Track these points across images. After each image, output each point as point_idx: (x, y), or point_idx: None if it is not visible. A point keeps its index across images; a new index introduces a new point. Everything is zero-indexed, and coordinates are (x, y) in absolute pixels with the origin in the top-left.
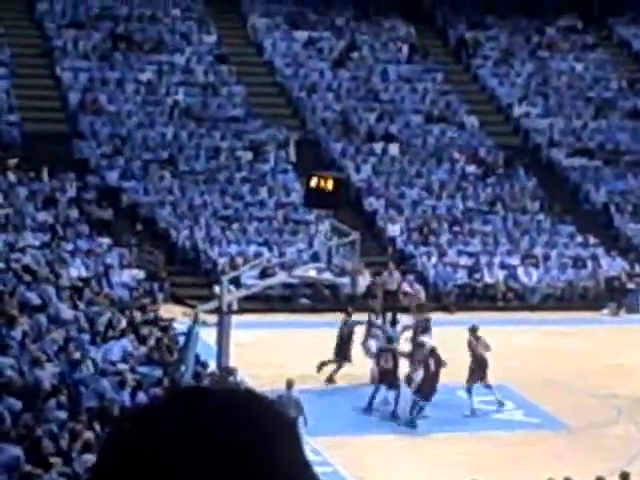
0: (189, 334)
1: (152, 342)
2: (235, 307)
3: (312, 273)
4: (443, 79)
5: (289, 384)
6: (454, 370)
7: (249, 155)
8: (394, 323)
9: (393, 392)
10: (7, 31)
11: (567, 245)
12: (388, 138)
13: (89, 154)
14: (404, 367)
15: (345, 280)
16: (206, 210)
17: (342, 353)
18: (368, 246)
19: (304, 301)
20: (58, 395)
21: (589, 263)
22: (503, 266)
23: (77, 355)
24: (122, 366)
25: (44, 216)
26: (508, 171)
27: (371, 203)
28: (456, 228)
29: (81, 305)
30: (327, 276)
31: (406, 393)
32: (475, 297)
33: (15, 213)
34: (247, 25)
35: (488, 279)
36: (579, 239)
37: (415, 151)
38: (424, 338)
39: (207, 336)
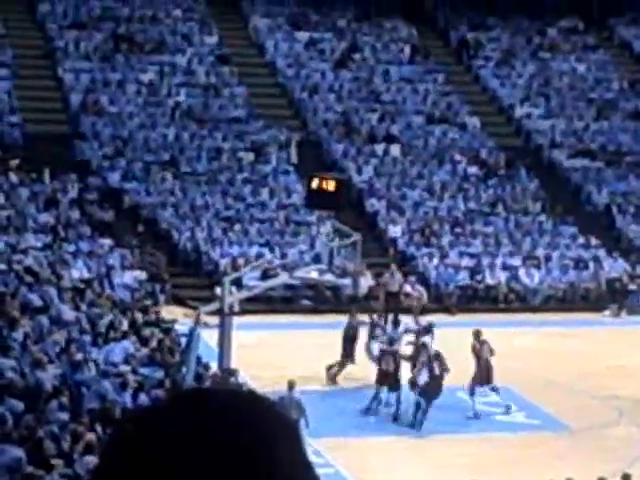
0: (191, 335)
1: (154, 343)
2: (237, 308)
3: (314, 274)
4: (444, 80)
5: (290, 385)
6: (455, 372)
7: (251, 156)
8: (396, 324)
9: (394, 394)
10: (9, 32)
11: (569, 246)
12: (389, 139)
13: (91, 155)
14: (406, 369)
15: (347, 281)
16: (208, 211)
17: (346, 353)
18: (369, 247)
19: (306, 302)
20: (60, 396)
21: (591, 264)
22: (505, 267)
23: (79, 356)
24: (124, 367)
25: (46, 217)
26: (510, 172)
27: (372, 204)
28: (458, 229)
29: (83, 306)
30: (329, 277)
31: (408, 395)
32: (477, 298)
33: (17, 214)
34: (249, 26)
35: (490, 280)
36: (581, 240)
37: (417, 152)
38: (426, 339)
39: (209, 337)
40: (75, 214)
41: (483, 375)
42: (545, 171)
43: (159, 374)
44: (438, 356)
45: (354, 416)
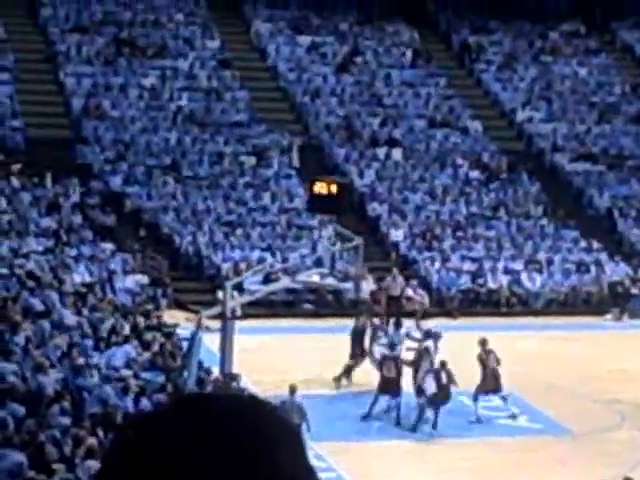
0: (192, 340)
1: (155, 348)
2: (238, 312)
3: (315, 278)
4: (446, 84)
5: (292, 389)
6: (457, 376)
7: (252, 160)
8: (398, 327)
9: (395, 400)
10: (10, 36)
11: (571, 250)
12: (391, 143)
13: (92, 159)
14: (407, 373)
15: (348, 285)
16: (209, 215)
17: (355, 354)
18: (371, 251)
19: (307, 306)
20: (61, 401)
21: (592, 268)
22: (507, 271)
23: (80, 361)
24: (125, 372)
25: (47, 222)
26: (511, 176)
27: (374, 208)
28: (459, 233)
29: (84, 311)
30: (330, 281)
31: (410, 400)
32: (478, 302)
33: (18, 219)
34: (250, 30)
35: (491, 284)
36: (583, 244)
37: (418, 156)
38: (428, 343)
39: (210, 342)
40: (77, 218)
41: (490, 384)
42: (547, 175)
43: (161, 378)
44: (444, 365)
45: (356, 420)
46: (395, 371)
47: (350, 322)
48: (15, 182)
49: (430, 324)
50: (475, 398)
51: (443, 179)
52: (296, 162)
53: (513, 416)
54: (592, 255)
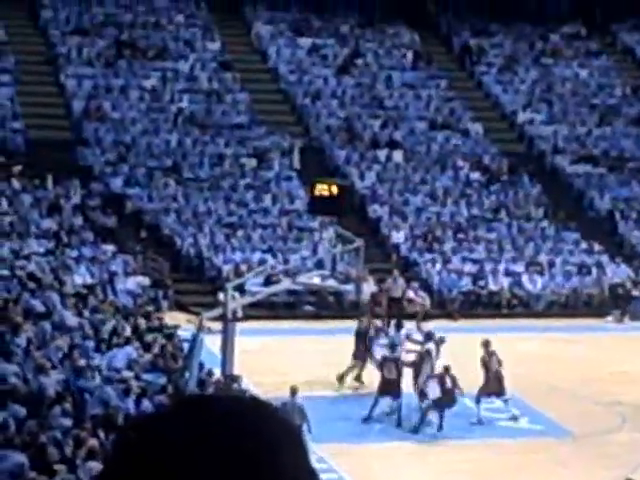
0: (193, 341)
1: (156, 349)
2: (239, 314)
3: (316, 280)
4: (447, 86)
5: (293, 391)
6: (458, 378)
7: (253, 162)
8: (399, 328)
9: (396, 402)
10: (11, 38)
11: (572, 252)
12: (392, 145)
13: (93, 161)
14: (407, 375)
15: (349, 287)
16: (210, 217)
17: (358, 354)
18: (372, 253)
19: (308, 308)
20: (63, 402)
21: (594, 270)
22: (507, 273)
23: (82, 362)
24: (127, 373)
25: (48, 223)
26: (512, 178)
27: (375, 210)
28: (460, 235)
29: (86, 312)
30: (331, 283)
31: (411, 401)
32: (479, 304)
33: (19, 220)
34: (251, 32)
35: (492, 286)
36: (583, 246)
37: (419, 158)
38: (429, 345)
39: (211, 343)
40: (78, 220)
41: (493, 386)
42: (548, 177)
43: (162, 380)
44: (448, 370)
45: (357, 422)
46: (396, 372)
47: (351, 324)
48: (16, 184)
49: (431, 326)
50: (477, 400)
51: (444, 181)
52: (297, 164)
53: (514, 418)
54: (593, 257)
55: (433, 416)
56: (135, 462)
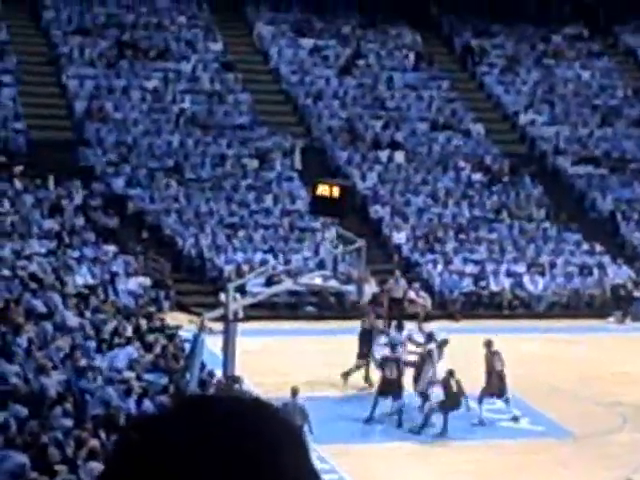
0: (195, 342)
1: (158, 350)
2: (241, 315)
3: (318, 281)
4: (449, 87)
5: (294, 392)
6: (460, 377)
7: (255, 163)
8: (400, 329)
9: (397, 403)
10: (13, 39)
11: (573, 253)
12: (394, 146)
13: (95, 162)
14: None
15: (351, 288)
16: (212, 218)
17: (362, 354)
18: (374, 254)
19: (310, 309)
20: (64, 403)
21: (595, 271)
22: (509, 274)
23: (83, 363)
24: (128, 374)
25: (50, 224)
26: (514, 179)
27: (377, 211)
28: (462, 236)
29: (87, 313)
30: (333, 284)
31: (411, 402)
32: (481, 305)
33: (21, 220)
34: (253, 33)
35: (494, 287)
36: (585, 247)
37: (421, 159)
38: (431, 346)
39: (213, 344)
40: (79, 220)
41: (495, 386)
42: (549, 178)
43: (163, 380)
44: (452, 374)
45: (358, 422)
46: (397, 372)
47: (352, 324)
48: (18, 184)
49: (433, 327)
50: (480, 401)
51: (445, 182)
52: (298, 164)
53: (515, 418)
54: (595, 258)
55: (436, 418)
56: (136, 463)
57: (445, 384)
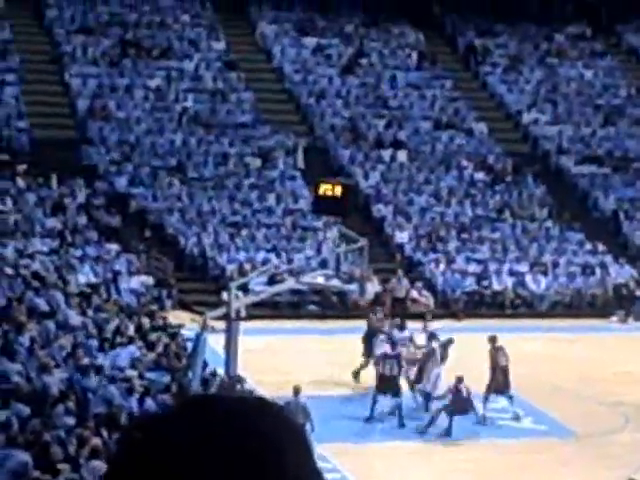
0: (197, 340)
1: (160, 348)
2: (243, 313)
3: (320, 280)
4: (452, 86)
5: (296, 390)
6: (462, 376)
7: (257, 161)
8: (402, 328)
9: (397, 400)
10: (16, 37)
11: (576, 252)
12: (397, 145)
13: (98, 160)
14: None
15: (353, 287)
16: (214, 217)
17: (368, 353)
18: (376, 253)
19: (312, 308)
20: (66, 401)
21: (598, 270)
22: (511, 273)
23: (85, 361)
24: (130, 372)
25: (53, 222)
26: (517, 178)
27: (379, 210)
28: (464, 235)
29: (89, 311)
30: (335, 283)
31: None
32: (483, 304)
33: (24, 219)
34: (256, 32)
35: (496, 286)
36: (588, 246)
37: (423, 158)
38: (434, 345)
39: (215, 343)
40: (82, 219)
41: (500, 382)
42: (552, 177)
43: (165, 379)
44: (461, 380)
45: (359, 421)
46: (397, 369)
47: (354, 323)
48: (20, 183)
49: (435, 326)
50: (485, 399)
51: (448, 181)
52: (301, 163)
53: (517, 417)
54: (597, 257)
55: (441, 420)
56: (139, 462)
57: (455, 390)
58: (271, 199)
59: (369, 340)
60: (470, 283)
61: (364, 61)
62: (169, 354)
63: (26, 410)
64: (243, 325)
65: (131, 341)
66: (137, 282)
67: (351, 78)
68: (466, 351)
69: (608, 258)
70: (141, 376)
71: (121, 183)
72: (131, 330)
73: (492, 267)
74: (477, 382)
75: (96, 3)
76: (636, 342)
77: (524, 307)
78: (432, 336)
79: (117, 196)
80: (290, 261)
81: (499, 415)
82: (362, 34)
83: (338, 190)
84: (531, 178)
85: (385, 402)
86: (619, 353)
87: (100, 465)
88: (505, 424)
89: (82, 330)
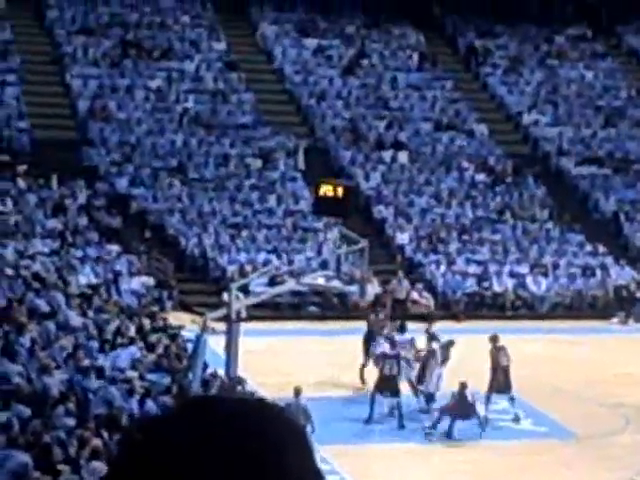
0: (197, 342)
1: (161, 349)
2: (244, 315)
3: (321, 281)
4: (452, 87)
5: (297, 392)
6: (463, 378)
7: (258, 162)
8: (402, 330)
9: (396, 400)
10: (17, 38)
11: (576, 254)
12: (397, 146)
13: (98, 161)
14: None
15: (354, 288)
16: (215, 218)
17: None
18: (377, 254)
19: (313, 309)
20: (66, 402)
21: (598, 272)
22: (512, 275)
23: (86, 362)
24: (131, 373)
25: (53, 223)
26: (517, 179)
27: (380, 211)
28: (465, 236)
29: (90, 312)
30: (336, 284)
31: (411, 402)
32: (484, 306)
33: (24, 220)
34: (256, 32)
35: (497, 288)
36: (588, 248)
37: (424, 159)
38: (434, 345)
39: (216, 344)
40: (83, 220)
41: (501, 382)
42: (553, 178)
43: (166, 380)
44: (465, 386)
45: (359, 423)
46: (397, 369)
47: (355, 324)
48: (21, 183)
49: (436, 327)
50: (487, 399)
51: (449, 182)
52: (302, 165)
53: (517, 419)
54: (598, 259)
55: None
56: (140, 464)
57: (460, 395)
58: (272, 200)
59: (368, 342)
60: (471, 284)
61: (365, 62)
62: (170, 355)
63: (27, 411)
64: (244, 326)
65: (132, 342)
66: (138, 283)
67: (352, 79)
68: (467, 353)
69: (609, 259)
70: (142, 377)
71: (122, 184)
72: (132, 331)
73: (492, 268)
74: (478, 384)
75: (97, 4)
76: (637, 344)
77: (524, 308)
78: (432, 337)
79: (118, 197)
80: (291, 262)
81: (499, 416)
82: (363, 35)
83: (339, 191)
84: (532, 179)
85: (384, 402)
86: (620, 355)
87: (100, 466)
88: (505, 425)
89: (83, 331)
